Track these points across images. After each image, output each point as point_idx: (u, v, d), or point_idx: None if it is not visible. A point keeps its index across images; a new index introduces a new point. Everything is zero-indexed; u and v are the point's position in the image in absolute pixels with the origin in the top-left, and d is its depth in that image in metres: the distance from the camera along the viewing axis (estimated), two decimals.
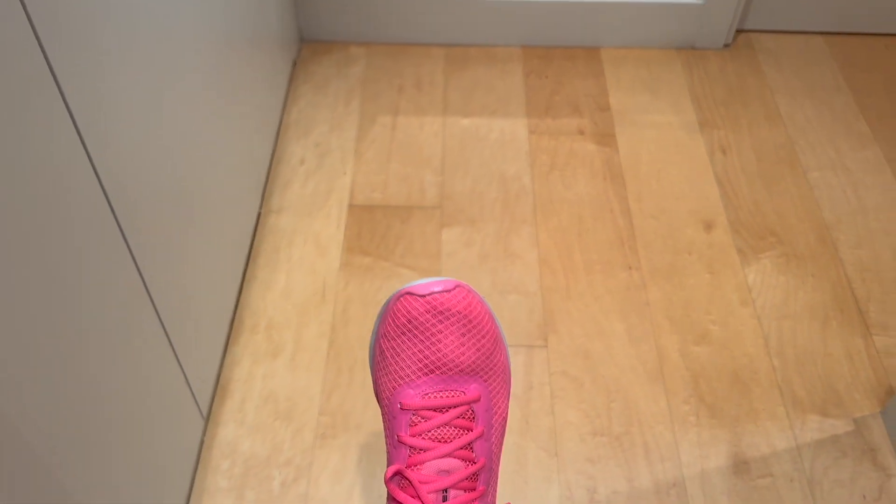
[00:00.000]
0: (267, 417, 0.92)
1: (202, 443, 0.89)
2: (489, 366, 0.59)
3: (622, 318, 1.02)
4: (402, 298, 0.58)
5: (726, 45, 1.41)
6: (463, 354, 0.57)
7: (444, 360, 0.57)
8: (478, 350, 0.58)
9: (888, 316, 1.03)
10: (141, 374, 0.68)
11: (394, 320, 0.59)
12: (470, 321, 0.58)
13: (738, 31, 1.44)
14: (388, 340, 0.59)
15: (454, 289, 0.58)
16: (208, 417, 0.91)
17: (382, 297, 1.03)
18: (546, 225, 1.13)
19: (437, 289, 0.57)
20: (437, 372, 0.57)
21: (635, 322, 1.02)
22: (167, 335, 0.74)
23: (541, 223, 1.13)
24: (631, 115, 1.29)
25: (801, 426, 0.92)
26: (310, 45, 1.41)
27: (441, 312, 0.57)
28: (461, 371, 0.57)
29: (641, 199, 1.16)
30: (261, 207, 1.14)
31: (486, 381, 0.58)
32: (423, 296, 0.57)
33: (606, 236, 1.11)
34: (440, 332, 0.57)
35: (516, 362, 0.97)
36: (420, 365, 0.57)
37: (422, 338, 0.57)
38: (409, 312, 0.58)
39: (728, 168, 1.21)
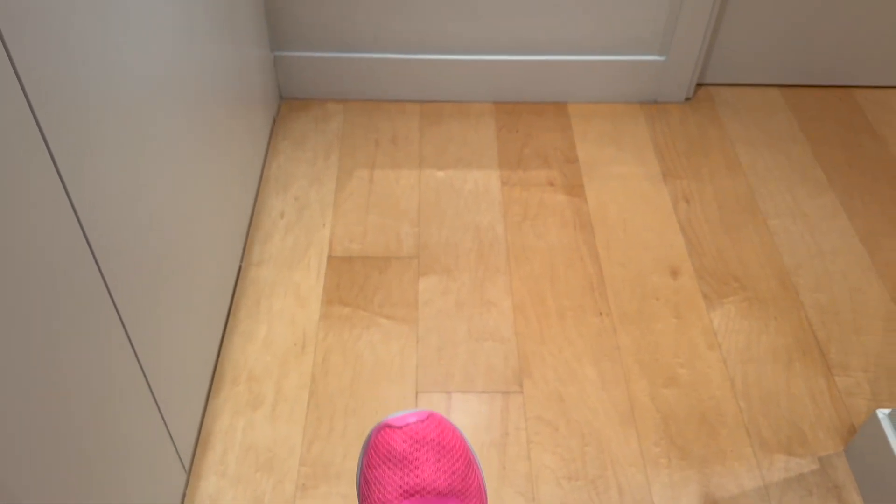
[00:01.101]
0: (248, 469, 0.93)
1: (184, 495, 0.90)
2: (464, 487, 0.64)
3: (594, 363, 1.05)
4: (381, 431, 0.65)
5: (687, 99, 1.48)
6: (439, 479, 0.63)
7: (423, 485, 0.63)
8: (452, 473, 0.64)
9: (848, 356, 1.07)
10: (124, 427, 0.69)
11: (375, 452, 0.65)
12: (443, 447, 0.64)
13: (699, 86, 1.52)
14: (372, 470, 0.65)
15: (427, 418, 0.65)
16: (190, 470, 0.92)
17: (362, 347, 1.06)
18: (519, 273, 1.17)
19: (412, 420, 0.64)
20: (417, 496, 0.62)
21: (607, 366, 1.05)
22: (150, 389, 0.76)
23: (514, 271, 1.17)
24: (598, 166, 1.35)
25: (768, 466, 0.95)
26: (289, 102, 1.46)
27: (417, 441, 0.63)
28: (439, 493, 0.63)
29: (610, 248, 1.21)
30: (242, 260, 1.16)
31: (462, 501, 0.64)
32: (400, 427, 0.64)
33: (577, 283, 1.15)
34: (417, 458, 0.63)
35: (493, 409, 1.00)
36: (401, 491, 0.63)
37: (401, 465, 0.63)
38: (388, 444, 0.64)
39: (691, 217, 1.26)
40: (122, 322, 0.68)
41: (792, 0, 1.39)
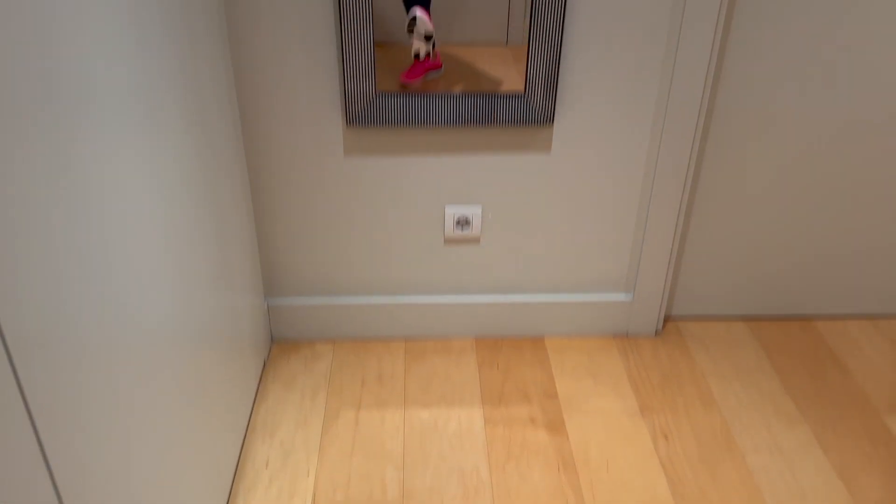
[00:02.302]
0: None
1: None
2: None
3: None
4: None
5: (657, 333, 1.57)
6: None
7: None
8: None
9: None
10: None
11: None
12: None
13: (667, 319, 1.61)
14: None
15: None
16: None
17: None
18: None
19: None
20: None
21: None
22: None
23: None
24: (577, 401, 1.39)
25: None
26: (280, 344, 1.52)
27: None
28: None
29: (594, 489, 1.21)
30: None
31: None
32: None
33: None
34: None
35: None
36: None
37: None
38: None
39: (671, 454, 1.28)
40: None
41: (747, 235, 1.52)
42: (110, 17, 0.74)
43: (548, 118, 1.30)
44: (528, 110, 1.29)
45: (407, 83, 1.24)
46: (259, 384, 1.41)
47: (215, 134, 1.11)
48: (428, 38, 1.17)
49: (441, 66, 1.23)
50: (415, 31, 1.18)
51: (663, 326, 1.59)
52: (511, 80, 1.25)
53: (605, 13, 1.23)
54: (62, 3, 0.63)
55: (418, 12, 1.16)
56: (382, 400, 1.39)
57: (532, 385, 1.43)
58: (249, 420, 1.33)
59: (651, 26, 1.24)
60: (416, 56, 1.22)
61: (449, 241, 1.45)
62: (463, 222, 1.43)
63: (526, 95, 1.28)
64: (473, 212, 1.41)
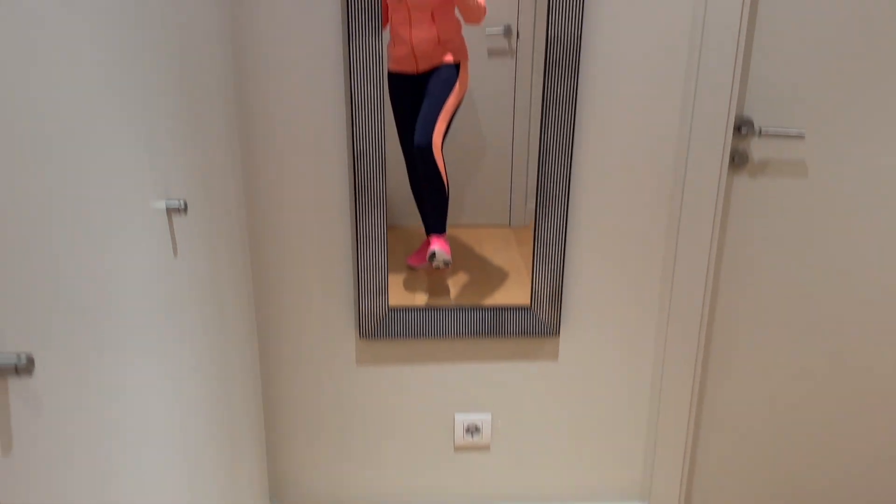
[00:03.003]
0: None
1: None
2: None
3: None
4: None
5: None
6: None
7: None
8: None
9: None
10: None
11: None
12: None
13: None
14: None
15: None
16: None
17: None
18: None
19: None
20: None
21: None
22: None
23: None
24: None
25: None
26: None
27: None
28: None
29: None
30: None
31: None
32: None
33: None
34: None
35: None
36: None
37: None
38: None
39: None
40: None
41: (760, 437, 1.51)
42: (142, 245, 0.80)
43: (554, 330, 1.35)
44: (534, 323, 1.34)
45: (414, 266, 1.30)
46: None
47: (232, 347, 1.15)
48: (447, 263, 1.26)
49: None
50: (434, 260, 1.28)
51: None
52: (514, 263, 1.30)
53: (604, 234, 1.31)
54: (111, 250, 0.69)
55: (437, 247, 1.26)
56: None
57: None
58: None
59: (648, 242, 1.32)
60: (437, 268, 1.30)
61: (459, 449, 1.44)
62: (473, 429, 1.43)
63: (532, 309, 1.33)
64: (483, 419, 1.42)
